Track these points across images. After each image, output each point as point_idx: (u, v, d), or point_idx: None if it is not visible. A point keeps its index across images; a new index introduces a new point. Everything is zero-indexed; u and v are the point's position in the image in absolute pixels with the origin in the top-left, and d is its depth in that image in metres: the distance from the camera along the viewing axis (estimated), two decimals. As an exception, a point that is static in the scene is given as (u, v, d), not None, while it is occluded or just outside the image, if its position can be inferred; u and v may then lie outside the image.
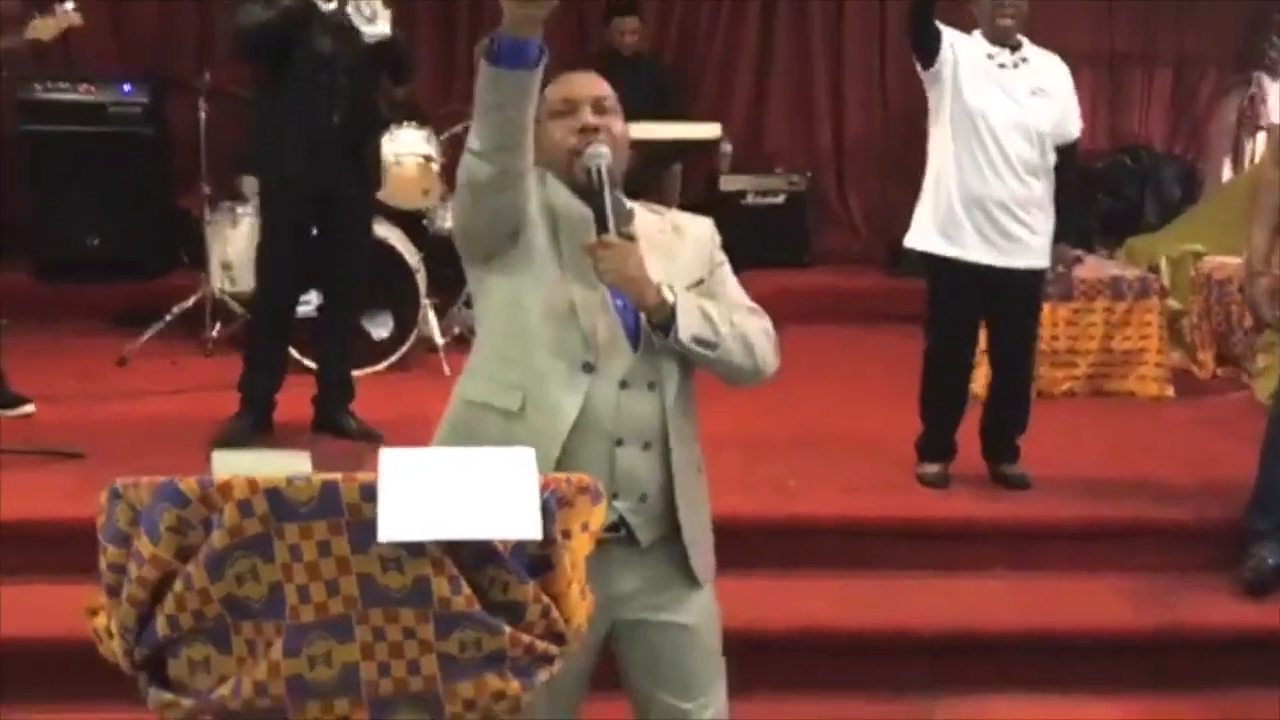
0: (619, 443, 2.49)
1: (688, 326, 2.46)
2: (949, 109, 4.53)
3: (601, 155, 2.48)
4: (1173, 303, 6.69)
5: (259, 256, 5.19)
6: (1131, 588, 4.22)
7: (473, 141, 2.37)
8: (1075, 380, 6.06)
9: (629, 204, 2.60)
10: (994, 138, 4.45)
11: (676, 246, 2.61)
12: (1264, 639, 4.01)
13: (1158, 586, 4.23)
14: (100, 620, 2.14)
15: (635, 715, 2.70)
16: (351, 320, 5.43)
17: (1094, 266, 6.37)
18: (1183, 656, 4.02)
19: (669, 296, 2.46)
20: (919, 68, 4.58)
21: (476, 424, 2.54)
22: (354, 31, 4.77)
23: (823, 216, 8.61)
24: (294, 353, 5.40)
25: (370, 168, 5.17)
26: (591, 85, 2.59)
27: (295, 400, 5.09)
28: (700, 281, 2.60)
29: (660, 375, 2.52)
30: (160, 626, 2.02)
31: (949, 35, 4.53)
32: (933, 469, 4.69)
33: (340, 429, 5.07)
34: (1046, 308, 5.87)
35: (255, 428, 4.94)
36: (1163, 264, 6.93)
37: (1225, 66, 8.99)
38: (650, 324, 2.48)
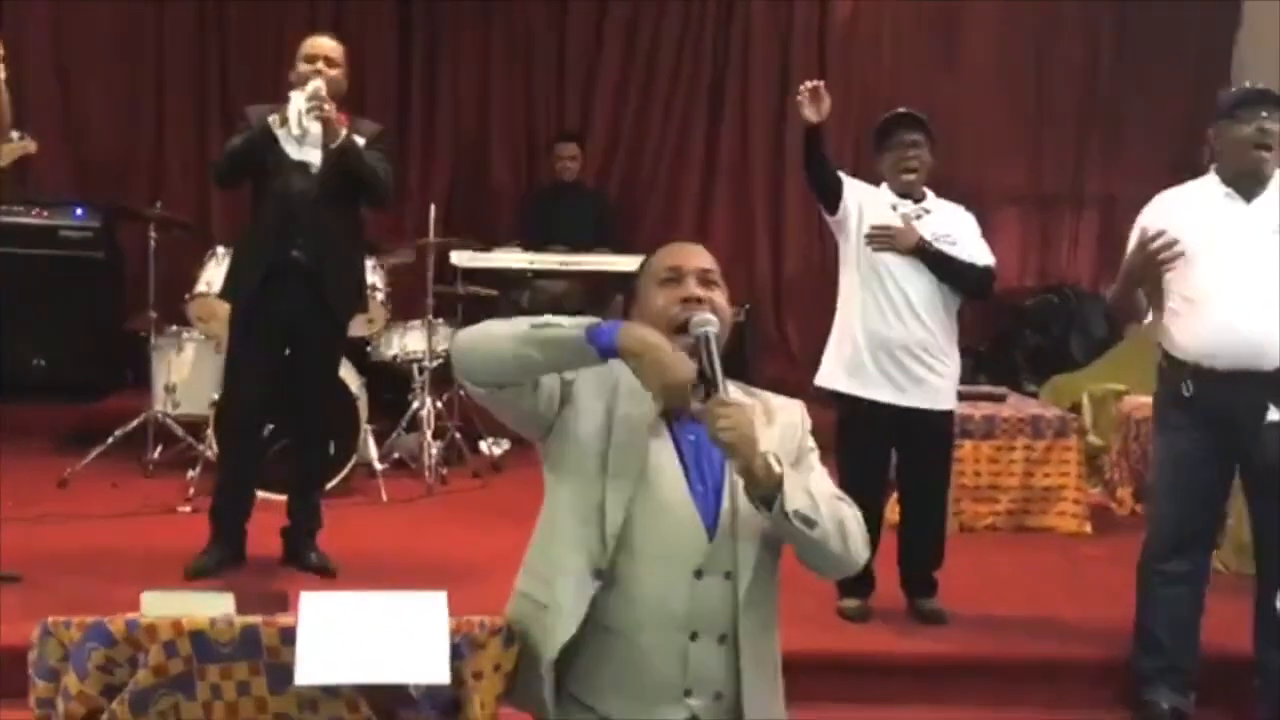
0: (693, 636, 2.41)
1: (793, 499, 2.36)
2: (854, 255, 4.76)
3: (710, 322, 2.45)
4: (1094, 439, 6.91)
5: (224, 382, 5.33)
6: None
7: (465, 366, 2.39)
8: (997, 515, 6.23)
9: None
10: (895, 283, 4.67)
11: (765, 430, 2.50)
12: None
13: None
14: (29, 754, 2.25)
15: None
16: (316, 458, 5.37)
17: (1015, 405, 6.58)
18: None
19: (775, 466, 2.36)
20: (825, 215, 4.82)
21: (519, 612, 2.51)
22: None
23: (761, 347, 8.83)
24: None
25: (339, 301, 5.03)
26: (699, 257, 2.58)
27: (268, 528, 5.12)
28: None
29: (736, 564, 2.44)
30: (86, 761, 2.14)
31: (851, 185, 4.78)
32: (852, 603, 4.79)
33: (302, 564, 5.09)
34: (969, 445, 6.12)
35: (226, 560, 4.95)
36: (1085, 401, 7.16)
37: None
38: (751, 495, 2.39)
